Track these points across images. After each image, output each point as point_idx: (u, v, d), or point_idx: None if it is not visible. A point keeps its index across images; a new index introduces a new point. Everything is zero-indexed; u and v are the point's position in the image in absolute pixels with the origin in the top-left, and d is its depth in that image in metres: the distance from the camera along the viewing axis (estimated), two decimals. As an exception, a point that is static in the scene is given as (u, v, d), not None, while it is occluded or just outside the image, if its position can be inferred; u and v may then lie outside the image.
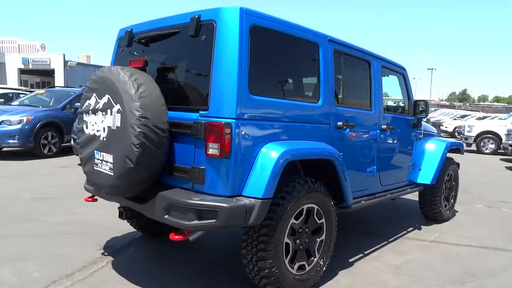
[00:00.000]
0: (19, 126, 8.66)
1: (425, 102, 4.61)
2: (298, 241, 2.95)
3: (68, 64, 29.59)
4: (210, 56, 2.63)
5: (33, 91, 12.74)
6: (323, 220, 3.13)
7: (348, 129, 3.47)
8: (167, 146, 2.74)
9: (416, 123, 4.67)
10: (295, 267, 2.94)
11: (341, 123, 3.37)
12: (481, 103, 68.59)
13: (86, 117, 2.99)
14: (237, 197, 2.60)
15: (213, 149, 2.54)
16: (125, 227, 4.21)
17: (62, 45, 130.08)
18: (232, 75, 2.57)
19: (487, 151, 14.42)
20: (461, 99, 79.36)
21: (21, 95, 12.37)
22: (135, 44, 3.28)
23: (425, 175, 4.76)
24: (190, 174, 2.66)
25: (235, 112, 2.56)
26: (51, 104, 10.13)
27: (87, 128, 2.98)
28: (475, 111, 30.65)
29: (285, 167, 2.70)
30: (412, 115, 4.64)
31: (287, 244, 2.86)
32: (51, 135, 9.21)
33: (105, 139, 2.78)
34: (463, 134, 15.14)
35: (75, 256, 3.57)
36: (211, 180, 2.60)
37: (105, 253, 3.68)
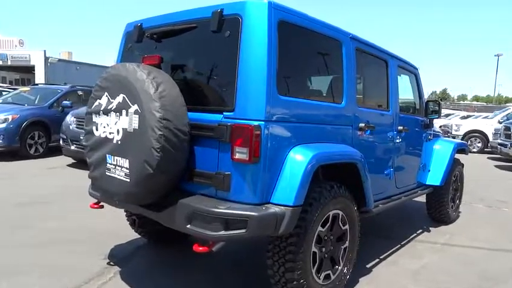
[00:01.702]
0: (4, 125, 8.25)
1: (438, 102, 4.53)
2: (323, 249, 2.80)
3: (49, 60, 28.67)
4: (235, 53, 2.44)
5: (17, 88, 12.24)
6: (347, 226, 2.98)
7: (368, 131, 3.33)
8: (187, 149, 2.54)
9: (427, 124, 4.58)
10: (321, 277, 2.79)
11: (363, 124, 3.24)
12: (461, 102, 69.98)
13: (95, 118, 2.76)
14: (266, 205, 2.43)
15: (240, 153, 2.36)
16: (127, 234, 4.01)
17: (41, 41, 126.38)
18: (261, 74, 2.39)
19: (475, 150, 14.61)
20: (442, 98, 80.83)
21: (3, 93, 11.86)
22: (146, 40, 3.06)
23: (435, 176, 4.68)
24: (214, 180, 2.47)
25: (265, 114, 2.38)
26: (36, 102, 9.72)
27: (97, 129, 2.75)
28: (456, 110, 31.12)
29: (314, 172, 2.54)
30: (423, 115, 4.55)
31: (314, 253, 2.70)
32: (38, 135, 8.81)
33: (119, 142, 2.56)
34: (451, 133, 15.30)
35: (79, 266, 3.33)
36: (238, 187, 2.42)
37: (111, 263, 3.45)
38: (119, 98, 2.56)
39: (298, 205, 2.45)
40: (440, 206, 4.94)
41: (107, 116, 2.65)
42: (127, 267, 3.40)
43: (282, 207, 2.41)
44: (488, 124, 14.71)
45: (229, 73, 2.50)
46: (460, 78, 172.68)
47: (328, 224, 2.79)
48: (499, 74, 74.71)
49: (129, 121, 2.48)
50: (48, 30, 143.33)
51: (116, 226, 4.34)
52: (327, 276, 2.84)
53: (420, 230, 4.83)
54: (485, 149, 14.28)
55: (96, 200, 3.28)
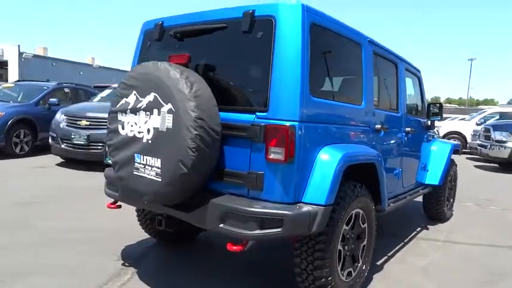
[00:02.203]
0: (-12, 123, 7.98)
1: (440, 104, 4.68)
2: (346, 247, 2.86)
3: (23, 56, 27.72)
4: (268, 54, 2.47)
5: (-1, 84, 11.83)
6: (366, 225, 3.06)
7: (382, 132, 3.42)
8: (219, 149, 2.55)
9: (429, 125, 4.73)
10: (345, 274, 2.85)
11: (379, 126, 3.32)
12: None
13: (121, 117, 2.73)
14: (298, 204, 2.47)
15: (275, 154, 2.39)
16: (133, 234, 4.02)
17: (15, 36, 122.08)
18: (295, 76, 2.42)
19: (453, 150, 15.06)
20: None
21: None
22: (168, 38, 3.04)
23: (433, 176, 4.83)
24: (246, 179, 2.49)
25: (299, 114, 2.42)
26: (19, 99, 9.43)
27: (123, 128, 2.72)
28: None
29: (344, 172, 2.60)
30: (425, 117, 4.70)
31: (339, 251, 2.76)
32: (24, 133, 8.55)
33: (150, 141, 2.54)
34: (431, 134, 15.71)
35: (93, 267, 3.28)
36: (271, 186, 2.44)
37: (126, 263, 3.41)
38: (150, 97, 2.54)
39: (330, 204, 2.51)
40: (438, 204, 5.11)
41: (135, 114, 2.63)
42: (142, 267, 3.37)
43: (314, 206, 2.46)
44: (466, 126, 15.22)
45: (262, 74, 2.52)
46: (433, 81, 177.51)
47: (351, 223, 2.86)
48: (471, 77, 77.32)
49: (161, 120, 2.47)
50: (22, 25, 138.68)
51: (120, 226, 4.31)
52: (349, 273, 2.91)
53: (419, 228, 4.98)
54: (464, 150, 14.77)
55: (112, 200, 3.24)
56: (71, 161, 7.93)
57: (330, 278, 2.64)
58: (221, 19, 2.75)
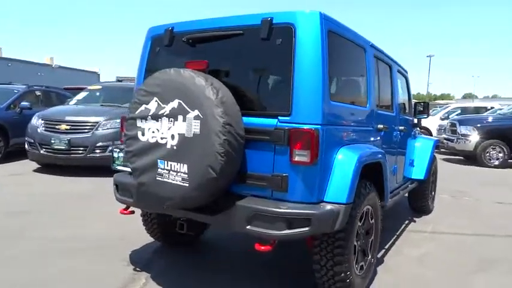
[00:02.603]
0: (-42, 129, 7.59)
1: (427, 103, 4.95)
2: (358, 242, 3.01)
3: (-24, 56, 26.31)
4: (289, 60, 2.57)
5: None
6: (373, 220, 3.23)
7: (383, 132, 3.61)
8: (242, 153, 2.62)
9: (415, 123, 4.99)
10: (358, 268, 3.00)
11: (381, 126, 3.50)
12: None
13: (141, 123, 2.74)
14: (322, 204, 2.59)
15: (300, 156, 2.49)
16: (136, 238, 4.04)
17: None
18: (317, 81, 2.54)
19: (420, 145, 15.76)
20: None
21: None
22: (180, 44, 3.07)
23: (419, 171, 5.10)
24: (271, 181, 2.58)
25: (321, 118, 2.54)
26: (-15, 103, 9.00)
27: (143, 135, 2.73)
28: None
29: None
30: (412, 115, 4.96)
31: (354, 246, 2.91)
32: (-5, 139, 8.20)
33: (175, 147, 2.57)
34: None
35: (106, 274, 3.27)
36: (296, 188, 2.55)
37: (137, 269, 3.41)
38: (173, 104, 2.57)
39: (350, 203, 2.64)
40: (423, 198, 5.41)
41: (157, 121, 2.65)
42: (154, 271, 3.37)
43: (337, 205, 2.58)
44: (431, 121, 15.95)
45: (283, 79, 2.62)
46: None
47: (363, 219, 3.01)
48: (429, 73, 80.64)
49: (187, 126, 2.51)
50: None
51: (120, 231, 4.30)
52: (361, 267, 3.06)
53: (407, 221, 5.25)
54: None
55: (124, 206, 3.23)
56: (49, 167, 7.69)
57: (348, 273, 2.78)
58: (237, 26, 2.81)
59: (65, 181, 6.88)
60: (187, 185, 2.53)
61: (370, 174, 3.16)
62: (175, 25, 3.15)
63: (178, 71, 2.61)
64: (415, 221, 5.27)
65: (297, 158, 2.50)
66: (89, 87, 9.44)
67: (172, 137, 2.59)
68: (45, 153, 7.23)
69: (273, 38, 2.65)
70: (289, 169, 2.54)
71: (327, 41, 2.63)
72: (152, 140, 2.69)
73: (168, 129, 2.60)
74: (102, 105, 8.41)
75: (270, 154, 2.61)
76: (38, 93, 9.63)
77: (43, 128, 7.37)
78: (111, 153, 3.43)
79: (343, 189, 2.62)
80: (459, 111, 16.46)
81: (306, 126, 2.49)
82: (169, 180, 2.61)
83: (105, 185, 6.66)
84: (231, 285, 3.19)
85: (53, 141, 7.12)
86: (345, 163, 2.68)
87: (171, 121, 2.59)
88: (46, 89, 10.16)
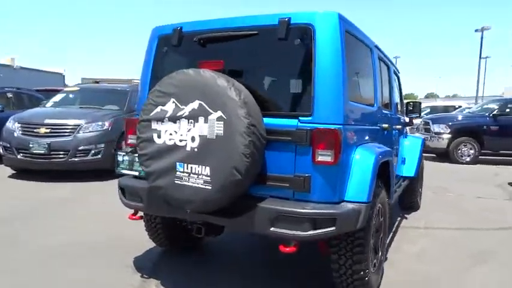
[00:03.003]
0: None
1: (419, 103, 5.09)
2: (372, 241, 3.05)
3: None
4: (308, 60, 2.57)
5: None
6: (382, 218, 3.28)
7: (386, 131, 3.67)
8: (263, 154, 2.60)
9: (407, 122, 5.12)
10: (372, 265, 3.04)
11: (386, 125, 3.56)
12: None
13: (156, 125, 2.66)
14: (343, 203, 2.60)
15: (323, 156, 2.49)
16: (133, 242, 3.93)
17: None
18: (338, 81, 2.55)
19: (393, 143, 16.23)
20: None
21: None
22: (191, 44, 3.00)
23: (410, 168, 5.23)
24: (293, 182, 2.56)
25: (342, 118, 2.55)
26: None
27: (159, 137, 2.65)
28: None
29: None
30: (404, 114, 5.08)
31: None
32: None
33: (195, 149, 2.51)
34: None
35: (115, 282, 3.16)
36: (319, 188, 2.54)
37: (144, 275, 3.31)
38: (193, 105, 2.51)
39: (370, 201, 2.67)
40: (413, 195, 5.55)
41: (175, 123, 2.58)
42: (163, 278, 3.28)
43: (358, 204, 2.60)
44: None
45: (302, 79, 2.62)
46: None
47: (376, 217, 3.05)
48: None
49: (209, 128, 2.46)
50: None
51: (115, 235, 4.20)
52: (374, 265, 3.10)
53: (399, 218, 5.37)
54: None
55: (133, 211, 3.14)
56: (26, 172, 7.34)
57: (366, 271, 2.81)
58: (252, 26, 2.78)
59: (45, 187, 6.59)
60: (209, 187, 2.48)
61: (379, 173, 3.22)
62: (184, 25, 3.08)
63: (198, 72, 2.55)
64: (406, 218, 5.40)
65: (320, 158, 2.50)
66: (66, 89, 9.11)
67: (193, 139, 2.53)
68: (23, 158, 6.90)
69: (290, 38, 2.64)
70: (311, 169, 2.54)
71: (345, 42, 2.65)
72: (170, 143, 2.61)
73: (188, 131, 2.54)
74: (81, 107, 8.13)
75: (290, 155, 2.59)
76: (9, 95, 9.19)
77: (20, 132, 7.03)
78: (115, 157, 3.30)
79: (363, 189, 2.64)
80: (429, 110, 17.07)
81: (329, 126, 2.50)
82: (190, 183, 2.54)
83: (88, 189, 6.47)
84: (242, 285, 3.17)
85: (31, 146, 6.80)
86: (363, 162, 2.71)
87: (191, 123, 2.53)
88: (18, 91, 9.71)
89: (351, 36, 2.83)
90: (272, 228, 2.50)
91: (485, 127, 11.15)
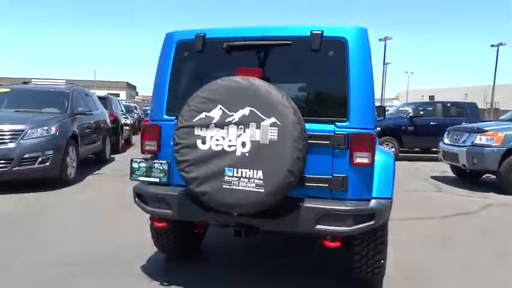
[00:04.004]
0: None
1: (383, 107, 5.61)
2: None
3: None
4: (343, 71, 2.80)
5: None
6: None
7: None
8: None
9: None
10: (385, 256, 3.38)
11: (379, 128, 3.96)
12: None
13: (200, 132, 2.68)
14: (373, 199, 2.88)
15: (361, 158, 2.75)
16: (131, 251, 3.88)
17: None
18: (370, 90, 2.84)
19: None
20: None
21: None
22: (214, 51, 3.06)
23: None
24: (332, 182, 2.78)
25: (373, 123, 2.84)
26: None
27: (203, 143, 2.68)
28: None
29: None
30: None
31: (384, 236, 3.27)
32: None
33: (247, 154, 2.60)
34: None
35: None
36: (354, 187, 2.79)
37: (164, 283, 3.26)
38: (244, 111, 2.60)
39: (392, 197, 3.00)
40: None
41: (222, 128, 2.64)
42: (180, 283, 3.27)
43: (385, 199, 2.91)
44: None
45: (337, 88, 2.86)
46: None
47: None
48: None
49: (262, 133, 2.57)
50: None
51: (122, 245, 4.07)
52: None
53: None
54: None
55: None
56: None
57: (383, 261, 3.12)
58: (284, 36, 2.94)
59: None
60: (262, 190, 2.58)
61: None
62: (208, 31, 3.11)
63: (248, 79, 2.64)
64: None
65: (358, 160, 2.75)
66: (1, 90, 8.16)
67: (243, 144, 2.61)
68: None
69: (324, 50, 2.85)
70: (348, 170, 2.78)
71: (371, 54, 2.94)
72: (216, 148, 2.66)
73: (238, 136, 2.61)
74: (17, 111, 7.40)
75: (327, 157, 2.80)
76: None
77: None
78: (130, 164, 3.18)
79: (388, 186, 2.96)
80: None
81: (365, 131, 2.77)
82: (240, 187, 2.62)
83: (42, 199, 5.95)
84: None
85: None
86: (385, 163, 3.03)
87: (241, 128, 2.61)
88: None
89: (370, 48, 3.14)
90: (318, 226, 2.69)
91: (403, 127, 12.50)
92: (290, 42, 2.92)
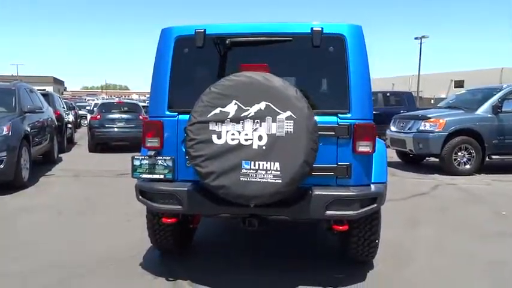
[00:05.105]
0: None
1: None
2: None
3: None
4: (343, 66, 2.99)
5: None
6: None
7: None
8: None
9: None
10: (377, 235, 3.65)
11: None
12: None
13: (215, 127, 2.73)
14: (372, 184, 3.12)
15: (364, 147, 2.97)
16: (126, 250, 3.85)
17: None
18: (367, 83, 3.06)
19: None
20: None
21: None
22: (217, 46, 3.11)
23: None
24: (336, 170, 2.97)
25: (372, 114, 3.07)
26: None
27: (219, 138, 2.73)
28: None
29: None
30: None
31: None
32: None
33: (264, 147, 2.69)
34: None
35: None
36: (357, 173, 3.01)
37: (169, 278, 3.27)
38: (260, 106, 2.69)
39: (387, 181, 3.26)
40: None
41: (238, 123, 2.71)
42: (188, 276, 3.30)
43: (382, 184, 3.16)
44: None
45: (338, 82, 3.05)
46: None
47: None
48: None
49: (278, 127, 2.68)
50: None
51: (118, 245, 4.03)
52: None
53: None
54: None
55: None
56: None
57: (377, 240, 3.40)
58: (286, 32, 3.06)
59: None
60: (280, 181, 2.70)
61: None
62: (207, 27, 3.13)
63: (261, 75, 2.73)
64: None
65: (361, 149, 2.97)
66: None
67: (260, 137, 2.71)
68: None
69: (324, 46, 3.02)
70: (352, 158, 2.99)
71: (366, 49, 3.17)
72: (233, 142, 2.73)
73: (254, 130, 2.70)
74: (-42, 110, 6.75)
75: (332, 147, 2.98)
76: None
77: None
78: (131, 161, 3.13)
79: (384, 172, 3.23)
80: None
81: (367, 121, 2.99)
82: (257, 179, 2.71)
83: (1, 205, 5.55)
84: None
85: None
86: (379, 150, 3.27)
87: (257, 122, 2.70)
88: None
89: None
90: (327, 212, 2.88)
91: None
92: (291, 38, 3.06)
